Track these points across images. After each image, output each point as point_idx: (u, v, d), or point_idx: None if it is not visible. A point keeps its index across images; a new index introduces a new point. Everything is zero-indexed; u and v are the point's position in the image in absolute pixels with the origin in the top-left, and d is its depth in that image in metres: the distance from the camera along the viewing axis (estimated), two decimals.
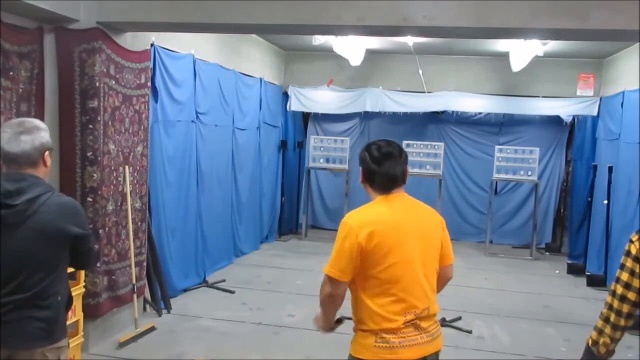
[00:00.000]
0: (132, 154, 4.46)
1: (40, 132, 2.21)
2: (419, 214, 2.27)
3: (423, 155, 8.25)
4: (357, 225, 2.13)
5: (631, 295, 2.08)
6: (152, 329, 4.62)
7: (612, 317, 2.13)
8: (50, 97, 3.96)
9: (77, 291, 3.75)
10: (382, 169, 2.22)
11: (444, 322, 5.02)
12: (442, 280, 2.34)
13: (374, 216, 2.17)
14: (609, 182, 6.59)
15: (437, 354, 2.25)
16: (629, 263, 2.13)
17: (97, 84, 3.99)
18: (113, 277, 4.33)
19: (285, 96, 8.62)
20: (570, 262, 7.42)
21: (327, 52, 7.48)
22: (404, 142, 8.23)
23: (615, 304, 2.11)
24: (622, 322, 2.13)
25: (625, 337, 5.37)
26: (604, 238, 6.68)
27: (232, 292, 5.79)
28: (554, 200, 8.70)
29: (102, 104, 4.04)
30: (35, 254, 2.12)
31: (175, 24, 4.20)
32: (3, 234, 2.09)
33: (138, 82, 4.49)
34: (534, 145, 8.10)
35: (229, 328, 4.82)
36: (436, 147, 8.28)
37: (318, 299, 2.26)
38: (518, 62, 6.88)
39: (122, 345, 4.26)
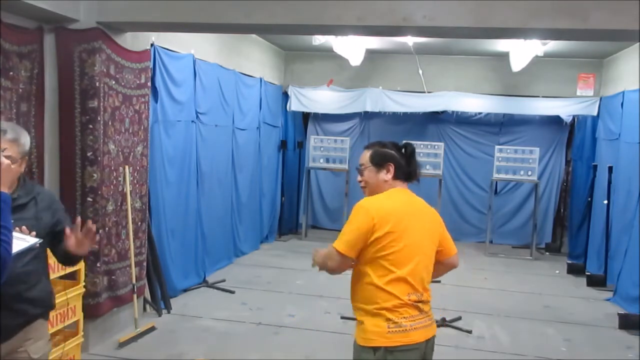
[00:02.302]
0: (132, 154, 4.46)
1: None
2: (423, 210, 2.46)
3: (423, 155, 8.24)
4: (375, 208, 2.30)
5: None
6: (152, 329, 4.62)
7: None
8: (50, 97, 3.96)
9: (77, 291, 3.75)
10: (408, 163, 2.46)
11: (444, 322, 5.03)
12: (447, 268, 2.55)
13: (389, 204, 2.34)
14: (609, 182, 6.59)
15: (434, 338, 2.41)
16: None
17: (97, 84, 3.99)
18: (113, 277, 4.33)
19: (285, 96, 8.62)
20: (570, 262, 7.41)
21: (327, 52, 7.48)
22: (404, 142, 8.22)
23: None
24: None
25: (625, 337, 5.37)
26: (604, 238, 6.68)
27: (232, 292, 5.79)
28: (554, 200, 8.70)
29: (102, 104, 4.04)
30: None
31: (175, 24, 4.20)
32: None
33: (138, 82, 4.49)
34: (534, 145, 8.10)
35: (229, 328, 4.82)
36: (436, 147, 8.28)
37: (318, 270, 2.42)
38: (518, 62, 6.88)
39: (122, 345, 4.26)
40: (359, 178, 2.52)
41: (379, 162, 2.45)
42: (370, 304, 2.28)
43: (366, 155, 2.48)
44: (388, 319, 2.24)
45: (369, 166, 2.46)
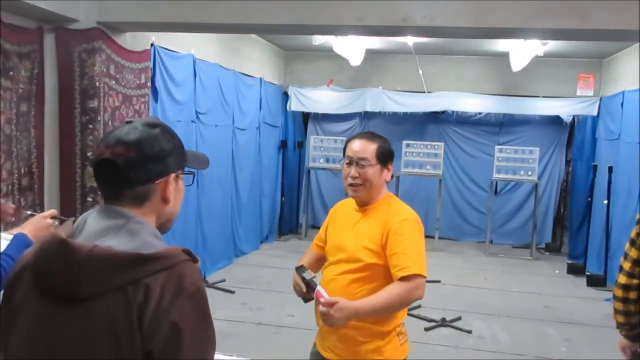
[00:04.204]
0: None
1: None
2: None
3: (423, 155, 8.25)
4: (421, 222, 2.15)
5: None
6: None
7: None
8: (50, 97, 3.96)
9: None
10: None
11: (444, 322, 5.03)
12: None
13: None
14: (609, 182, 6.59)
15: None
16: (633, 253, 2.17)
17: (97, 84, 3.99)
18: None
19: (285, 96, 8.62)
20: (570, 262, 7.41)
21: (327, 52, 7.48)
22: (404, 142, 8.25)
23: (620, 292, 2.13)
24: (632, 308, 2.11)
25: None
26: (604, 238, 6.68)
27: (232, 292, 5.79)
28: (554, 200, 8.70)
29: (102, 104, 4.04)
30: None
31: (175, 24, 4.20)
32: None
33: (138, 82, 4.49)
34: (534, 145, 8.09)
35: (229, 328, 4.82)
36: (436, 147, 8.28)
37: (387, 305, 1.98)
38: (518, 62, 6.87)
39: None
40: (354, 173, 2.10)
41: (385, 160, 2.13)
42: (389, 325, 2.10)
43: (370, 148, 2.10)
44: (399, 333, 2.13)
45: (374, 164, 2.10)
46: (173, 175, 1.25)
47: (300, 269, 2.17)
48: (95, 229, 1.17)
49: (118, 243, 1.13)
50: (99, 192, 3.92)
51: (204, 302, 1.16)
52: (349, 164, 2.12)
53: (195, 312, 1.12)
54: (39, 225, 2.05)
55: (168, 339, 1.07)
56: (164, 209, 1.27)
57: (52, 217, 2.11)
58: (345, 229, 2.19)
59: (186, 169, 1.32)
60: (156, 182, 1.22)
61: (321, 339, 2.22)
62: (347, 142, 2.19)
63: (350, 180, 2.12)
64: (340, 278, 2.12)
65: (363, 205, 2.17)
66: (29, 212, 2.17)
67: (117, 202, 1.21)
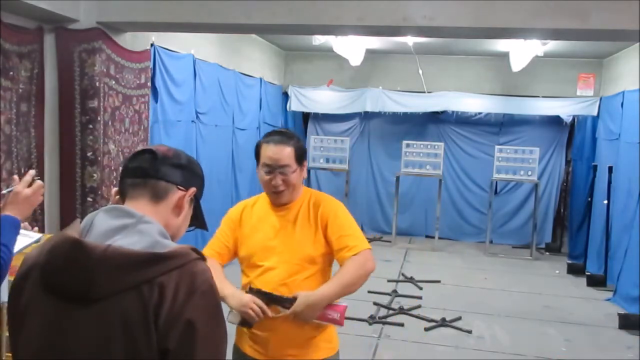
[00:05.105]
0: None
1: None
2: None
3: (423, 155, 8.25)
4: None
5: None
6: None
7: None
8: (50, 97, 3.96)
9: None
10: None
11: (444, 322, 5.03)
12: None
13: None
14: (609, 182, 6.59)
15: None
16: None
17: (97, 84, 3.99)
18: None
19: (285, 96, 8.63)
20: (570, 262, 7.41)
21: (327, 52, 7.48)
22: (404, 142, 8.25)
23: None
24: None
25: (625, 337, 5.35)
26: (604, 238, 6.68)
27: None
28: (554, 200, 8.70)
29: (102, 104, 4.04)
30: None
31: (175, 24, 4.20)
32: None
33: (138, 82, 4.49)
34: (534, 145, 8.09)
35: (229, 328, 4.79)
36: (436, 147, 8.28)
37: (347, 283, 2.03)
38: (518, 62, 6.88)
39: None
40: (278, 182, 2.06)
41: (301, 159, 2.12)
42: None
43: (287, 153, 2.06)
44: None
45: (295, 168, 2.08)
46: (191, 194, 1.38)
47: (261, 292, 2.12)
48: (104, 229, 1.18)
49: (129, 243, 1.14)
50: (99, 193, 3.86)
51: (216, 299, 1.20)
52: (270, 172, 2.06)
53: (208, 309, 1.15)
54: (17, 199, 1.91)
55: (183, 337, 1.09)
56: (174, 220, 1.33)
57: (29, 185, 1.94)
58: (271, 230, 2.13)
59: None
60: (178, 186, 1.33)
61: (267, 348, 2.12)
62: (260, 145, 2.11)
63: (273, 188, 2.08)
64: (292, 280, 2.08)
65: (286, 204, 2.14)
66: (4, 192, 2.04)
67: (135, 194, 1.29)
